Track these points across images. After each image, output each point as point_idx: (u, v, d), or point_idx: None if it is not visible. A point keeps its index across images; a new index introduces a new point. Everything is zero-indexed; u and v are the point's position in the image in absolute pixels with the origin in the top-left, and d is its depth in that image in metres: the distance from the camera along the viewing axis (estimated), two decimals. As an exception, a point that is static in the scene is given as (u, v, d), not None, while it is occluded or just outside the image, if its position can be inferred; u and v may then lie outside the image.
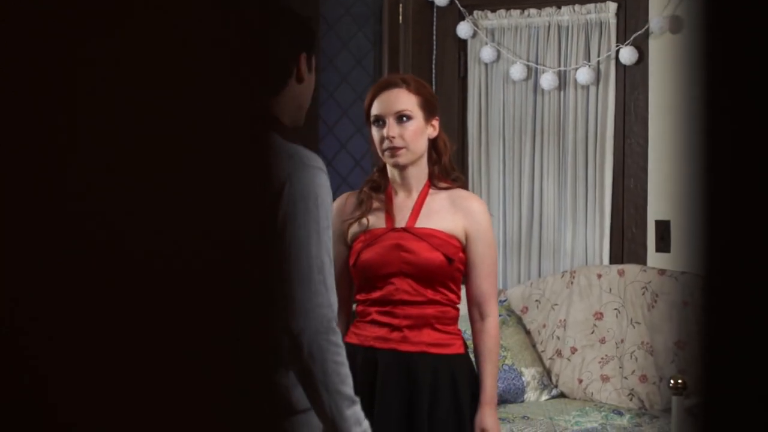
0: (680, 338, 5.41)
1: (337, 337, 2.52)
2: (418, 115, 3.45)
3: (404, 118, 3.44)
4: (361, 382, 3.45)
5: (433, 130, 3.50)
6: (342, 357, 2.53)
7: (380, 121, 3.47)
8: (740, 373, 0.93)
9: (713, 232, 0.94)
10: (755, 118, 0.91)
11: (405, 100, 3.45)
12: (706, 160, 0.91)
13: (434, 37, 6.42)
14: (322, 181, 2.56)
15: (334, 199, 3.21)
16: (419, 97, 3.47)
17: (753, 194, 0.92)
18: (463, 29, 6.31)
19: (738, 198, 0.92)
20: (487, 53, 6.26)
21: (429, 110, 3.48)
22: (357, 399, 2.56)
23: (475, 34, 6.33)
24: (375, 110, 3.48)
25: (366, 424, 2.58)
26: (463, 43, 6.40)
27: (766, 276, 0.92)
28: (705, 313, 0.93)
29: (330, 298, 2.52)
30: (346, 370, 2.54)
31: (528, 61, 6.20)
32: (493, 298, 3.52)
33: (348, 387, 2.54)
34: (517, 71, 6.17)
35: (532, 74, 6.21)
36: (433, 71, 6.33)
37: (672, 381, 4.12)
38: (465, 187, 3.59)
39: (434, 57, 6.41)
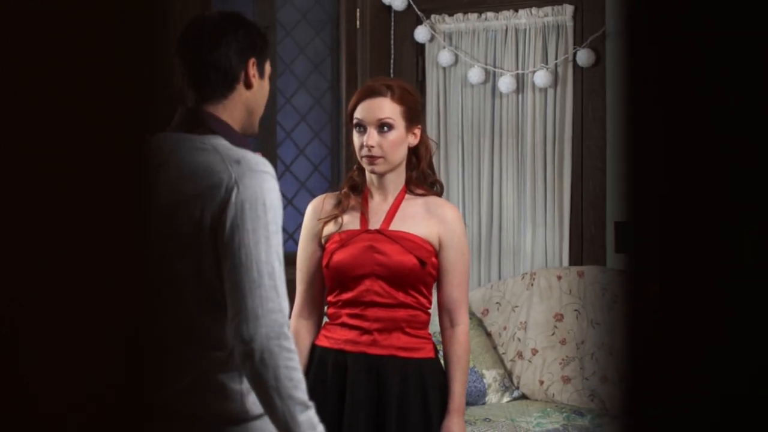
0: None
1: (289, 342, 2.51)
2: (399, 125, 3.46)
3: (385, 128, 3.44)
4: (331, 385, 3.45)
5: (414, 138, 3.50)
6: (294, 362, 2.52)
7: (361, 127, 3.47)
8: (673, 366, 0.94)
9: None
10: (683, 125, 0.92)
11: (388, 109, 3.45)
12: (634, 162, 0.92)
13: (392, 42, 6.42)
14: (270, 185, 2.55)
15: (306, 202, 3.21)
16: (402, 106, 3.47)
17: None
18: (421, 33, 6.32)
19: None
20: (444, 57, 6.27)
21: (411, 119, 3.48)
22: (311, 404, 2.56)
23: (432, 38, 6.34)
24: (357, 115, 3.48)
25: (321, 428, 2.57)
26: (421, 47, 6.41)
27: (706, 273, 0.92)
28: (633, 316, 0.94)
29: (281, 304, 2.52)
30: (299, 375, 2.53)
31: (486, 64, 6.22)
32: (463, 306, 3.52)
33: (301, 392, 2.53)
34: (475, 75, 6.18)
35: (490, 77, 6.22)
36: (392, 76, 6.33)
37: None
38: (442, 191, 3.60)
39: (392, 61, 6.41)
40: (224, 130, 2.66)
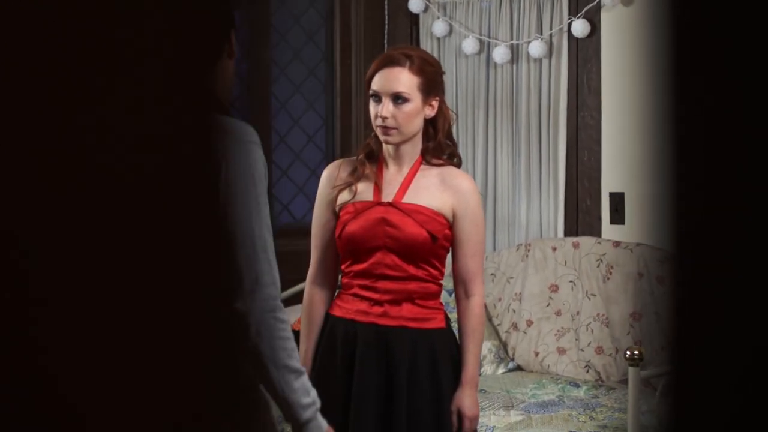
0: (635, 310, 5.44)
1: (283, 314, 2.54)
2: (415, 97, 3.43)
3: (400, 100, 3.42)
4: (342, 355, 3.46)
5: (431, 110, 3.48)
6: (288, 332, 2.55)
7: (377, 97, 3.45)
8: (706, 343, 0.93)
9: (673, 206, 0.93)
10: (712, 97, 0.91)
11: (404, 81, 3.43)
12: (669, 137, 0.91)
13: (386, 12, 6.40)
14: (257, 155, 2.56)
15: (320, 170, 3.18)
16: (420, 78, 3.44)
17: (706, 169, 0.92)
18: (415, 4, 6.30)
19: (695, 173, 0.92)
20: (439, 27, 6.25)
21: (429, 91, 3.45)
22: (303, 370, 2.60)
23: (426, 9, 6.32)
24: (374, 85, 3.46)
25: (314, 393, 2.62)
26: (415, 17, 6.39)
27: (724, 249, 0.92)
28: (672, 286, 0.93)
29: (274, 276, 2.53)
30: (292, 344, 2.57)
31: (480, 34, 6.20)
32: (478, 277, 3.52)
33: (295, 360, 2.57)
34: (470, 45, 6.16)
35: (485, 48, 6.20)
36: (385, 46, 6.31)
37: (628, 352, 4.13)
38: (460, 164, 3.58)
39: (386, 32, 6.39)
40: (213, 101, 2.66)
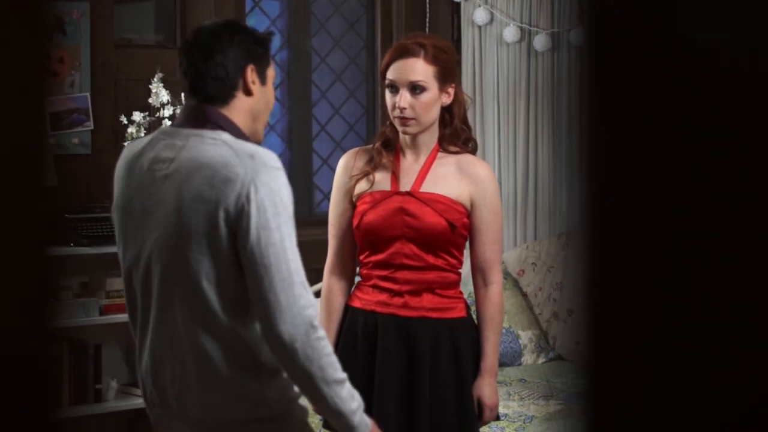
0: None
1: (322, 332, 2.59)
2: (432, 86, 3.41)
3: (417, 89, 3.40)
4: (363, 347, 3.45)
5: (447, 98, 3.46)
6: (329, 347, 2.60)
7: (393, 87, 3.44)
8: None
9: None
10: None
11: (420, 70, 3.41)
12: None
13: (427, 0, 6.39)
14: (283, 181, 2.58)
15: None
16: (436, 66, 3.42)
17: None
18: (456, -9, 6.29)
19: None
20: (480, 15, 6.24)
21: (445, 79, 3.43)
22: (345, 376, 2.65)
23: (468, -3, 6.30)
24: (390, 75, 3.44)
25: (357, 393, 2.67)
26: (456, 5, 6.37)
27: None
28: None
29: (310, 298, 2.57)
30: (334, 357, 2.62)
31: (521, 23, 6.18)
32: (497, 265, 3.50)
33: (339, 371, 2.62)
34: (511, 33, 6.14)
35: (526, 36, 6.18)
36: (429, 34, 6.30)
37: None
38: (476, 149, 3.56)
39: (427, 20, 6.38)
40: (230, 127, 2.66)
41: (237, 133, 2.65)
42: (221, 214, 2.52)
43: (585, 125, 0.93)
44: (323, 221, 3.63)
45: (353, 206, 3.51)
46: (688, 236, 0.91)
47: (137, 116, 5.33)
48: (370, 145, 3.59)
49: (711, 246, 0.90)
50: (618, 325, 0.95)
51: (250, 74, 2.69)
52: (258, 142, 2.77)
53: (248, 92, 2.69)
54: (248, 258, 2.52)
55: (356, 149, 3.62)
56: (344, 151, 3.57)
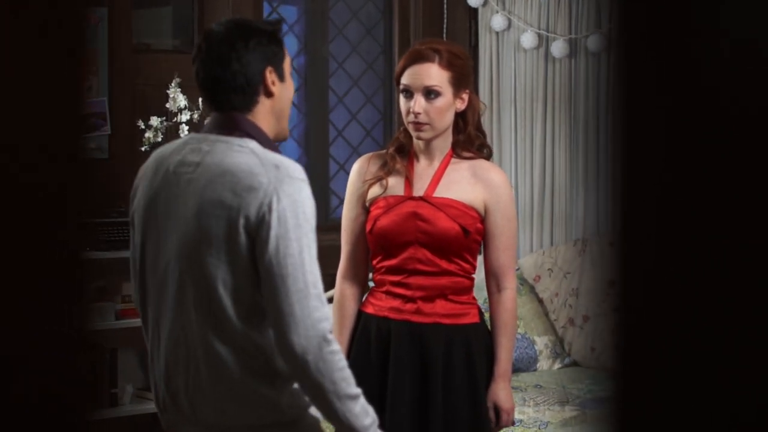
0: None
1: (336, 345, 2.57)
2: (447, 91, 3.41)
3: (432, 95, 3.40)
4: (376, 353, 3.44)
5: (461, 104, 3.45)
6: (343, 361, 2.58)
7: (408, 92, 3.44)
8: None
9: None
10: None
11: (435, 75, 3.41)
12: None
13: (445, 6, 6.40)
14: (307, 193, 2.57)
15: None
16: (450, 72, 3.42)
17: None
18: (474, -3, 6.29)
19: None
20: (497, 21, 6.24)
21: (459, 84, 3.43)
22: (360, 391, 2.62)
23: (485, 3, 6.31)
24: (404, 80, 3.44)
25: (371, 409, 2.63)
26: (474, 11, 6.38)
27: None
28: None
29: (326, 311, 2.56)
30: (348, 372, 2.59)
31: (539, 29, 6.18)
32: (511, 271, 3.50)
33: (353, 386, 2.59)
34: (528, 39, 6.14)
35: (543, 42, 6.18)
36: (444, 39, 6.30)
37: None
38: (491, 155, 3.56)
39: (445, 26, 6.39)
40: (259, 135, 2.66)
41: (265, 141, 2.65)
42: (242, 221, 2.52)
43: (615, 126, 0.93)
44: (339, 226, 3.64)
45: (366, 211, 3.51)
46: (718, 239, 0.90)
47: (155, 121, 5.34)
48: (384, 151, 3.59)
49: (742, 249, 0.90)
50: (643, 329, 0.95)
51: (269, 76, 2.68)
52: (284, 139, 2.78)
53: (269, 94, 2.69)
54: (266, 267, 2.51)
55: (370, 154, 3.62)
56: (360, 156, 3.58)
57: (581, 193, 6.07)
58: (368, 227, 3.47)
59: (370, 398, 2.68)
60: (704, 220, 0.91)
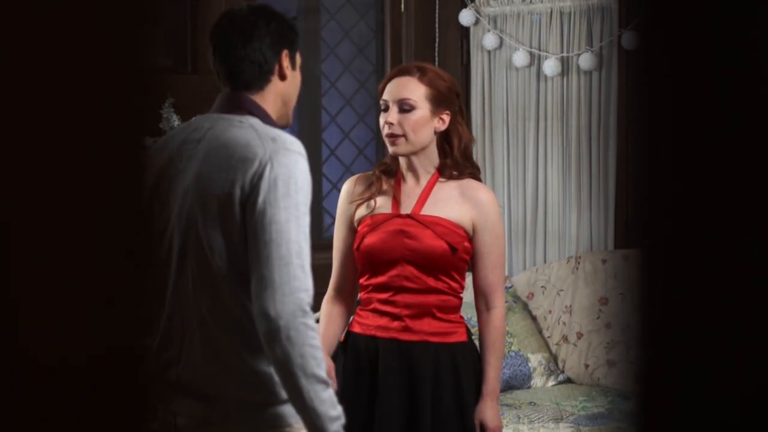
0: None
1: (313, 321, 2.53)
2: (423, 106, 3.41)
3: (406, 107, 3.41)
4: (364, 372, 3.44)
5: (441, 124, 3.45)
6: (317, 340, 2.54)
7: (385, 105, 3.46)
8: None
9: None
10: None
11: (412, 89, 3.42)
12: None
13: (437, 25, 6.41)
14: (303, 166, 2.59)
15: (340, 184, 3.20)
16: (430, 89, 3.42)
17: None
18: (466, 17, 6.30)
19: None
20: (489, 40, 6.26)
21: (439, 103, 3.43)
22: (330, 382, 2.57)
23: (477, 22, 6.32)
24: (384, 95, 3.47)
25: (339, 408, 2.58)
26: (466, 30, 6.39)
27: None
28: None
29: (307, 283, 2.53)
30: (321, 354, 2.55)
31: (531, 47, 6.19)
32: (499, 290, 3.50)
33: (323, 371, 2.55)
34: (520, 58, 6.16)
35: (535, 61, 6.20)
36: (436, 59, 6.32)
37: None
38: (478, 176, 3.56)
39: (437, 45, 6.40)
40: (261, 114, 2.70)
41: (266, 118, 2.69)
42: (237, 192, 2.54)
43: (631, 137, 0.94)
44: (332, 245, 3.65)
45: (354, 232, 3.51)
46: (736, 249, 0.91)
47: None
48: (371, 172, 3.60)
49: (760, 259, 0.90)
50: (665, 342, 0.95)
51: (285, 59, 2.75)
52: (287, 125, 2.82)
53: (283, 77, 2.75)
54: (251, 232, 2.52)
55: (356, 176, 3.63)
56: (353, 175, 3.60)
57: (574, 210, 6.09)
58: (355, 244, 3.48)
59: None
60: (728, 230, 0.92)
